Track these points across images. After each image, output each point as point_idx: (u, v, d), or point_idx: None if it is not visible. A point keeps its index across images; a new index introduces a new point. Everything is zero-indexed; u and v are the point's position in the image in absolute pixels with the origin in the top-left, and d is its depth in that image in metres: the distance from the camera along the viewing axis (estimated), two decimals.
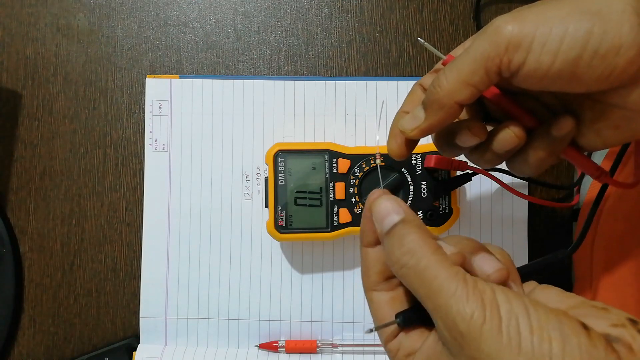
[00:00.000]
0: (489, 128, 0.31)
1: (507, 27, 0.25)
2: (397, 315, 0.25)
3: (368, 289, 0.27)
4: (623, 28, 0.24)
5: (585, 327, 0.21)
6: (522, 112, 0.30)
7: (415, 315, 0.25)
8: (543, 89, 0.26)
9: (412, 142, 0.32)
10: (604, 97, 0.27)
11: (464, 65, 0.26)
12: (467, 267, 0.25)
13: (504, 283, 0.24)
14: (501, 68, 0.26)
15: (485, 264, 0.25)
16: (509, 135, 0.29)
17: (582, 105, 0.28)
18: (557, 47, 0.24)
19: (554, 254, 0.29)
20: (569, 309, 0.23)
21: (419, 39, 0.32)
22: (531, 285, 0.26)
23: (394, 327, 0.25)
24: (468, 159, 0.33)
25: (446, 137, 0.32)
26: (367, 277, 0.27)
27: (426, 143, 0.41)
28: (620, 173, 0.38)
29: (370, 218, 0.26)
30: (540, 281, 0.27)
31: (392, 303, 0.26)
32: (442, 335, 0.22)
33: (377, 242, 0.27)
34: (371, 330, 0.26)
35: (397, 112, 0.33)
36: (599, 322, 0.22)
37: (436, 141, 0.33)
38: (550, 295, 0.25)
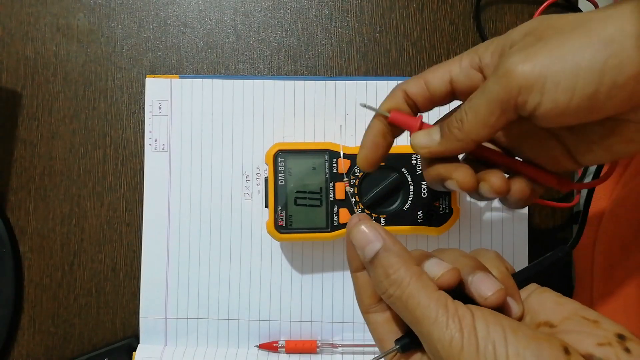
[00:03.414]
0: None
1: (517, 69, 0.24)
2: (396, 342, 0.25)
3: (364, 311, 0.27)
4: (639, 55, 0.23)
5: (566, 351, 0.21)
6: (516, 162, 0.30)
7: (414, 340, 0.25)
8: (562, 124, 0.26)
9: (383, 155, 0.31)
10: (618, 115, 0.26)
11: (482, 108, 0.26)
12: (464, 286, 0.25)
13: (502, 304, 0.24)
14: (517, 109, 0.25)
15: (483, 285, 0.24)
16: (491, 188, 0.28)
17: (590, 123, 0.27)
18: (573, 84, 0.23)
19: (554, 252, 0.29)
20: (561, 321, 0.23)
21: (360, 103, 0.31)
22: (529, 289, 0.26)
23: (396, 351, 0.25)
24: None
25: (436, 177, 0.31)
26: (361, 301, 0.27)
27: None
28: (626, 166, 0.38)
29: (352, 244, 0.26)
30: (542, 281, 0.27)
31: (388, 323, 0.26)
32: (429, 358, 0.23)
33: (363, 267, 0.27)
34: None
35: (374, 119, 0.31)
36: (586, 339, 0.22)
37: (426, 176, 0.32)
38: (547, 301, 0.25)
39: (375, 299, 0.27)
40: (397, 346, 0.25)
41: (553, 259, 0.28)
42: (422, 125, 0.30)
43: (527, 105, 0.25)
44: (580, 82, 0.23)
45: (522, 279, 0.27)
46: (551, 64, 0.24)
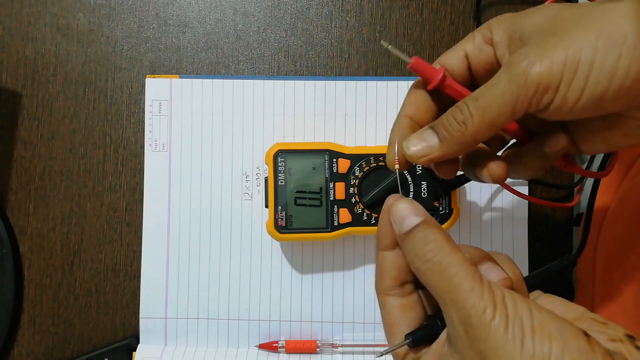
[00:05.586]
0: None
1: (535, 68, 0.24)
2: (406, 336, 0.26)
3: (381, 292, 0.27)
4: None
5: (586, 334, 0.22)
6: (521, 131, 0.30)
7: (425, 335, 0.25)
8: (565, 119, 0.26)
9: None
10: (619, 112, 0.26)
11: (491, 108, 0.25)
12: None
13: None
14: (529, 109, 0.25)
15: (491, 273, 0.26)
16: (490, 175, 0.29)
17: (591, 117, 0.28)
18: (583, 84, 0.24)
19: (560, 261, 0.30)
20: (572, 321, 0.24)
21: (382, 42, 0.29)
22: (535, 294, 0.27)
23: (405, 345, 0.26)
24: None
25: (471, 167, 0.31)
26: (381, 281, 0.27)
27: None
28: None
29: (387, 221, 0.27)
30: (544, 287, 0.28)
31: (404, 309, 0.27)
32: (453, 329, 0.23)
33: (394, 246, 0.27)
34: (382, 354, 0.27)
35: (399, 116, 0.30)
36: (598, 335, 0.23)
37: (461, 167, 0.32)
38: (554, 304, 0.26)
39: (397, 281, 0.27)
40: (408, 340, 0.25)
41: (559, 267, 0.29)
42: (444, 79, 0.28)
43: (539, 104, 0.25)
44: (590, 83, 0.24)
45: (529, 284, 0.27)
46: (567, 62, 0.24)
